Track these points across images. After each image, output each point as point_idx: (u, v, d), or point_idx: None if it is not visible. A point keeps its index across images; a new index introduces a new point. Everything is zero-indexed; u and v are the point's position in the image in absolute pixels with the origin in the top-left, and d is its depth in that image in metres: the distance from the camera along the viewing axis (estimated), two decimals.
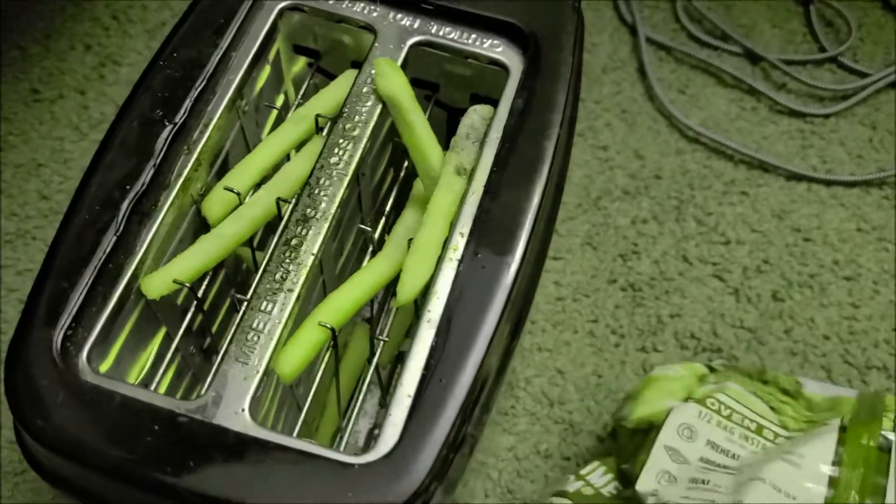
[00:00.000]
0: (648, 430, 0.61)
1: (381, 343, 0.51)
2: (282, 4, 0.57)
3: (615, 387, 0.74)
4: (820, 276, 0.80)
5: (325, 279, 0.56)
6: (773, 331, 0.77)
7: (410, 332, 0.66)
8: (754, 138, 0.89)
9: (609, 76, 0.92)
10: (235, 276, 0.61)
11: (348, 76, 0.56)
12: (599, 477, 0.62)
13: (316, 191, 0.50)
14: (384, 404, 0.67)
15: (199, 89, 0.52)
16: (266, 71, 0.57)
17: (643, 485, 0.57)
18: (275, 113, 0.60)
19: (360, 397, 0.54)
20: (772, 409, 0.62)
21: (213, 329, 0.59)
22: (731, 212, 0.84)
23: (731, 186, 0.85)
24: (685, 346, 0.76)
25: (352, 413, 0.56)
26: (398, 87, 0.53)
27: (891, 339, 0.77)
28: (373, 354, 0.52)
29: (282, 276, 0.48)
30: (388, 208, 0.59)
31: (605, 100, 0.91)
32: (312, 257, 0.48)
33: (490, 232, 0.49)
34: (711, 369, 0.66)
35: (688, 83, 0.93)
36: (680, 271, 0.80)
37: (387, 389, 0.64)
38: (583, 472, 0.62)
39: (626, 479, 0.60)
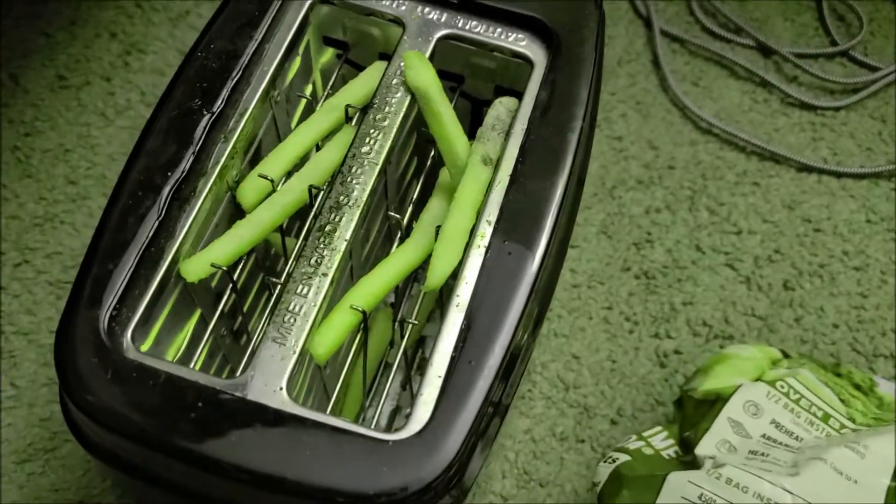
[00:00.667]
0: (714, 402, 0.62)
1: (410, 326, 0.53)
2: None
3: (629, 372, 0.76)
4: (829, 266, 0.82)
5: (352, 265, 0.58)
6: (784, 319, 0.79)
7: (433, 316, 0.68)
8: (766, 130, 0.90)
9: (624, 68, 0.94)
10: (265, 260, 0.63)
11: (377, 68, 0.58)
12: (661, 441, 0.63)
13: (348, 179, 0.52)
14: (406, 386, 0.69)
15: (235, 80, 0.54)
16: (297, 62, 0.59)
17: (702, 449, 0.59)
18: (303, 102, 0.62)
19: (389, 380, 0.55)
20: (842, 400, 0.63)
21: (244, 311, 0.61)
22: (743, 202, 0.85)
23: (743, 177, 0.87)
24: (697, 334, 0.78)
25: (380, 394, 0.58)
26: (428, 79, 0.54)
27: None
28: (402, 337, 0.53)
29: (316, 261, 0.50)
30: (413, 196, 0.61)
31: (620, 91, 0.92)
32: (345, 243, 0.50)
33: (516, 220, 0.50)
34: (786, 355, 0.67)
35: (701, 75, 0.94)
36: (692, 260, 0.82)
37: (410, 371, 0.66)
38: (645, 433, 0.64)
39: (688, 445, 0.61)
